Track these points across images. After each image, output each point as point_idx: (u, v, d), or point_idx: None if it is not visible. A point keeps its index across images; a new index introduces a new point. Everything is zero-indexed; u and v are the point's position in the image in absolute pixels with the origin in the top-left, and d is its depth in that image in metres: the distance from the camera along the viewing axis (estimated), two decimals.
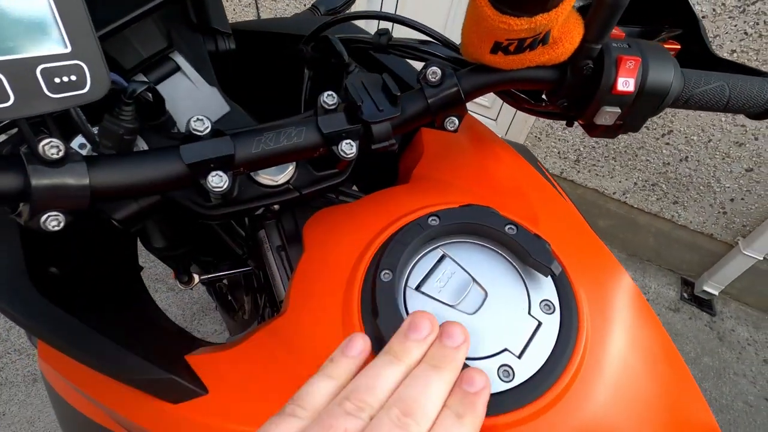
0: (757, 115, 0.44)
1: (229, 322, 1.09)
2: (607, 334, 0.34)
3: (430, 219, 0.35)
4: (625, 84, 0.37)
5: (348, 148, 0.36)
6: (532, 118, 1.88)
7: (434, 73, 0.38)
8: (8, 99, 0.22)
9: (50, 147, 0.26)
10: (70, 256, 0.46)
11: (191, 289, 0.96)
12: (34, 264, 0.39)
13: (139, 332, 0.41)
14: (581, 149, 1.85)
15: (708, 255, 1.88)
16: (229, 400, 0.34)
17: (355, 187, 0.60)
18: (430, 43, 0.43)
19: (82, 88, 0.25)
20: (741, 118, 1.52)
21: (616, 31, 0.39)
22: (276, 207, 0.43)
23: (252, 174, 0.42)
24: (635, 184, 1.85)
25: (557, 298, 0.33)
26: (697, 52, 0.46)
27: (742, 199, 1.69)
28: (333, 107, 0.37)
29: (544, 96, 0.44)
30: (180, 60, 0.46)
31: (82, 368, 0.38)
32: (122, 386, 0.36)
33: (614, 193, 1.91)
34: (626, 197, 1.90)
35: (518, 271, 0.34)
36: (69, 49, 0.24)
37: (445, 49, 0.43)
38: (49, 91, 0.24)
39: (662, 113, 1.60)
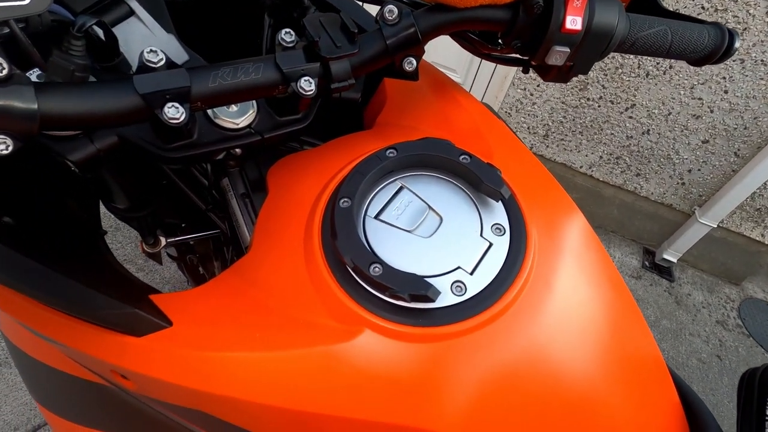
0: (696, 61, 0.47)
1: None
2: (555, 257, 0.36)
3: (388, 152, 0.36)
4: (573, 22, 0.39)
5: (307, 85, 0.37)
6: (503, 93, 1.91)
7: (391, 11, 0.38)
8: None
9: None
10: (26, 208, 0.45)
11: (166, 252, 0.94)
12: None
13: (101, 276, 0.41)
14: (550, 124, 1.90)
15: (668, 224, 1.98)
16: (193, 331, 0.34)
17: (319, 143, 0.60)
18: None
19: (23, 0, 0.24)
20: (698, 92, 1.59)
21: None
22: (238, 151, 0.43)
23: (212, 117, 0.42)
24: (601, 157, 1.91)
25: (507, 222, 0.35)
26: (646, 5, 0.48)
27: (699, 170, 1.77)
28: (291, 44, 0.37)
29: (500, 41, 0.45)
30: (134, 4, 0.45)
31: (39, 310, 0.37)
32: (84, 325, 0.36)
33: (581, 167, 1.97)
34: (592, 171, 1.96)
35: (472, 199, 0.36)
36: None
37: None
38: None
39: (622, 79, 1.65)
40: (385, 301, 0.31)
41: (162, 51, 0.33)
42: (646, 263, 2.00)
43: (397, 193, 0.36)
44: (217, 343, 0.34)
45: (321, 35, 0.37)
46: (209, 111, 0.41)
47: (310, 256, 0.34)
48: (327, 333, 0.32)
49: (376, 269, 0.30)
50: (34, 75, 0.35)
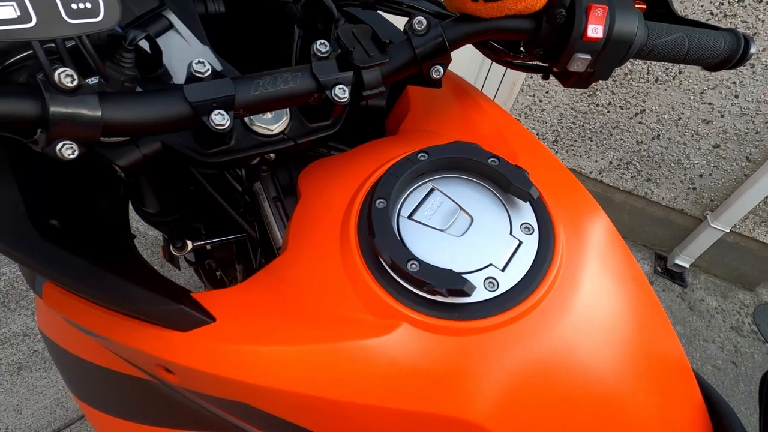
0: (713, 66, 0.49)
1: None
2: (581, 256, 0.37)
3: (419, 155, 0.38)
4: (595, 30, 0.40)
5: (341, 93, 0.39)
6: (512, 100, 1.93)
7: (420, 22, 0.40)
8: (31, 20, 0.24)
9: (65, 76, 0.28)
10: (68, 211, 0.47)
11: (184, 257, 0.96)
12: (35, 216, 0.41)
13: (142, 275, 0.43)
14: (559, 130, 1.91)
15: (679, 230, 1.97)
16: (236, 326, 0.36)
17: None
18: (416, 0, 0.46)
19: (97, 16, 0.26)
20: (708, 97, 1.59)
21: None
22: (272, 156, 0.46)
23: (249, 124, 0.44)
24: (611, 163, 1.92)
25: (536, 221, 0.36)
26: (662, 13, 0.50)
27: (710, 174, 1.77)
28: (326, 55, 0.39)
29: (522, 49, 0.47)
30: (173, 18, 0.48)
31: (87, 308, 0.39)
32: (130, 320, 0.38)
33: (591, 173, 1.98)
34: (602, 176, 1.97)
35: (500, 199, 0.38)
36: None
37: (429, 5, 0.45)
38: (68, 16, 0.25)
39: (636, 84, 1.66)
40: (421, 296, 0.33)
41: (208, 62, 0.35)
42: (658, 269, 2.00)
43: (428, 194, 0.38)
44: (259, 337, 0.35)
45: (355, 46, 0.39)
46: (246, 118, 0.44)
47: (347, 254, 0.36)
48: (366, 327, 0.33)
49: (414, 266, 0.32)
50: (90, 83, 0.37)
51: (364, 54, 0.39)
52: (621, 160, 1.89)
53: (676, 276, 1.98)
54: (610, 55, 0.43)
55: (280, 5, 0.55)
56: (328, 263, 0.37)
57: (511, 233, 0.35)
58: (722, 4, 1.42)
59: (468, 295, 0.31)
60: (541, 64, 0.49)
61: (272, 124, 0.44)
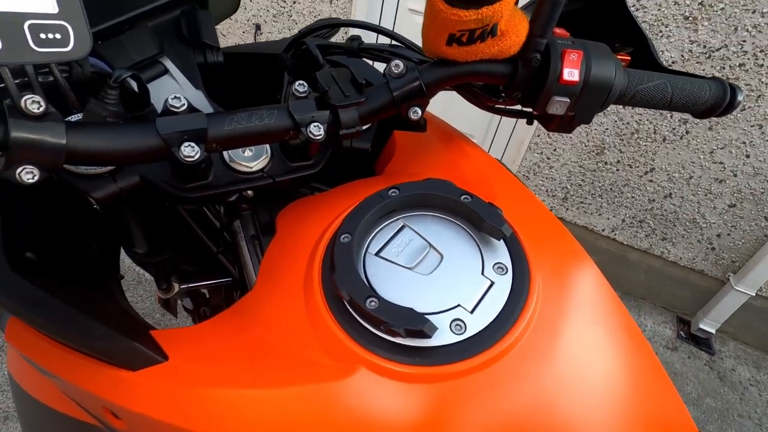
0: (700, 113, 0.48)
1: None
2: (561, 300, 0.34)
3: (390, 191, 0.37)
4: (571, 74, 0.41)
5: (316, 130, 0.39)
6: (520, 156, 1.95)
7: (397, 65, 0.41)
8: None
9: (32, 102, 0.29)
10: (48, 246, 0.47)
11: (183, 305, 0.95)
12: (11, 247, 0.41)
13: (104, 310, 0.41)
14: (568, 187, 1.90)
15: (701, 291, 1.87)
16: (188, 366, 0.34)
17: None
18: (398, 47, 0.47)
19: (66, 47, 0.28)
20: (719, 156, 1.58)
21: (562, 32, 0.43)
22: (250, 194, 0.45)
23: (228, 161, 0.44)
24: (623, 221, 1.88)
25: (510, 261, 0.34)
26: (646, 64, 0.51)
27: (729, 234, 1.71)
28: (304, 95, 0.40)
29: (502, 93, 0.47)
30: (168, 64, 0.50)
31: (45, 344, 0.38)
32: (82, 358, 0.36)
33: (603, 230, 1.94)
34: (615, 234, 1.92)
35: (474, 238, 0.36)
36: (57, 10, 0.27)
37: (411, 51, 0.47)
38: (35, 44, 0.26)
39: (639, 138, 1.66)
40: (382, 338, 0.30)
41: (185, 98, 0.36)
42: (682, 333, 1.87)
43: (398, 231, 0.36)
44: (211, 379, 0.33)
45: (331, 86, 0.40)
46: (225, 155, 0.44)
47: (309, 292, 0.34)
48: (322, 371, 0.31)
49: (373, 303, 0.29)
50: (74, 118, 0.38)
51: (340, 94, 0.40)
52: (634, 218, 1.85)
53: (702, 342, 1.85)
54: (589, 99, 0.43)
55: (273, 57, 0.58)
56: (291, 301, 0.35)
57: (482, 273, 0.33)
58: (723, 68, 1.44)
59: (428, 336, 0.29)
60: (523, 109, 0.49)
61: (251, 161, 0.44)
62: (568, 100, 0.42)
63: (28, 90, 0.30)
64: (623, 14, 0.53)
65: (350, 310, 0.31)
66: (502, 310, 0.31)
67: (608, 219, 1.90)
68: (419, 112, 0.43)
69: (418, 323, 0.28)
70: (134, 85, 0.42)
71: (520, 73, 0.42)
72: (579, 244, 0.41)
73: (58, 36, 0.27)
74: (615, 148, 1.73)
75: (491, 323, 0.31)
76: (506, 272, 0.34)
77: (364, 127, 0.51)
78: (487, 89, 0.48)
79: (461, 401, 0.29)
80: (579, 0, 0.55)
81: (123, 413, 0.35)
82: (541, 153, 1.88)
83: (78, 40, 0.28)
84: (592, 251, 1.99)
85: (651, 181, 1.73)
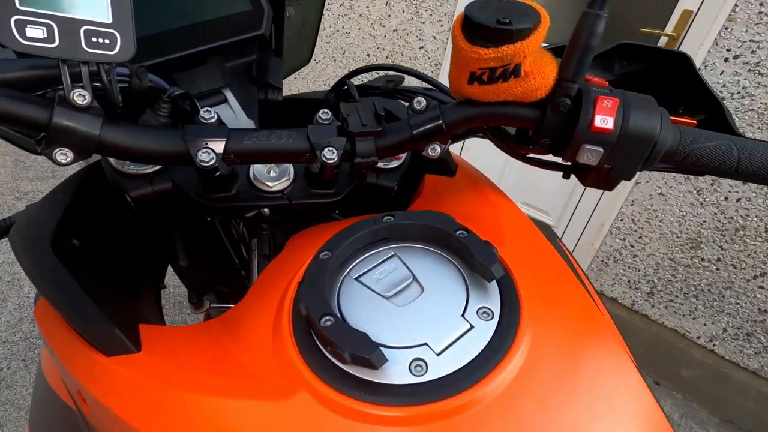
0: None
1: None
2: (554, 363, 0.29)
3: (385, 218, 0.36)
4: (604, 122, 0.37)
5: (329, 154, 0.40)
6: (599, 240, 1.79)
7: (419, 101, 0.42)
8: (54, 42, 0.30)
9: (78, 95, 0.33)
10: (95, 241, 0.52)
11: (201, 314, 0.99)
12: (60, 232, 0.46)
13: (111, 296, 0.43)
14: (655, 281, 1.69)
15: None
16: (153, 362, 0.34)
17: None
18: (430, 89, 0.48)
19: (112, 51, 0.33)
20: None
21: (600, 81, 0.40)
22: (266, 211, 0.47)
23: (252, 179, 0.47)
24: (725, 330, 1.59)
25: (499, 308, 0.30)
26: (717, 127, 0.45)
27: None
28: (326, 122, 0.42)
29: (531, 138, 0.45)
30: (228, 94, 0.57)
31: (55, 323, 0.40)
32: (74, 337, 0.38)
33: (698, 338, 1.65)
34: (714, 345, 1.63)
35: (464, 277, 0.32)
36: (110, 21, 0.32)
37: (441, 94, 0.47)
38: (86, 45, 0.32)
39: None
40: (332, 364, 0.28)
41: (216, 113, 0.40)
42: None
43: (387, 260, 0.34)
44: (168, 377, 0.32)
45: (351, 115, 0.41)
46: (251, 173, 0.47)
47: (280, 308, 0.33)
48: (268, 388, 0.28)
49: (328, 321, 0.27)
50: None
51: (358, 122, 0.41)
52: (739, 329, 1.56)
53: None
54: (628, 151, 0.39)
55: (321, 101, 0.62)
56: (264, 317, 0.34)
57: (463, 315, 0.29)
58: None
59: (375, 367, 0.25)
60: (560, 162, 0.46)
61: (273, 181, 0.46)
62: (601, 150, 0.38)
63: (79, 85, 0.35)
64: (691, 77, 0.48)
65: (309, 328, 0.29)
66: (474, 358, 0.27)
67: (705, 325, 1.62)
68: (438, 149, 0.43)
69: (365, 350, 0.25)
70: (186, 102, 0.47)
71: (549, 118, 0.40)
72: (598, 308, 0.35)
73: (107, 41, 0.32)
74: (714, 244, 1.52)
75: (458, 371, 0.26)
76: (491, 318, 0.29)
77: (393, 165, 0.51)
78: (519, 137, 0.46)
79: None
80: (638, 61, 0.52)
81: (88, 398, 0.35)
82: (624, 239, 1.71)
83: (123, 46, 0.33)
84: (683, 362, 1.69)
85: (762, 287, 1.47)
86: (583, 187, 1.85)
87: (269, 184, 0.46)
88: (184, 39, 0.51)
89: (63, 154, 0.34)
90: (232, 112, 0.56)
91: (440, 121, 0.41)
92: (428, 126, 0.42)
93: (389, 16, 2.10)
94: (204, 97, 0.56)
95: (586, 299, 0.35)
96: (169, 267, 0.68)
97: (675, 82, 0.49)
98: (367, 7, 2.15)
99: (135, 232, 0.58)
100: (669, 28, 1.49)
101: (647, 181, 1.59)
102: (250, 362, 0.32)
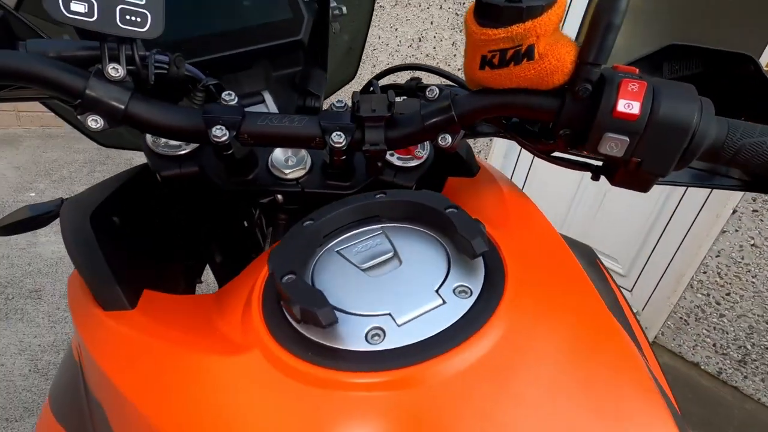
0: None
1: None
2: (533, 355, 0.24)
3: (377, 195, 0.35)
4: (628, 106, 0.34)
5: (337, 138, 0.40)
6: (677, 295, 1.59)
7: (431, 90, 0.41)
8: (93, 16, 0.35)
9: (112, 68, 0.37)
10: (136, 223, 0.56)
11: None
12: (102, 208, 0.50)
13: (135, 266, 0.45)
14: (748, 347, 1.44)
15: None
16: (145, 320, 0.35)
17: None
18: (452, 86, 0.47)
19: (143, 28, 0.36)
20: None
21: (629, 68, 0.37)
22: (280, 198, 0.48)
23: (269, 166, 0.48)
24: None
25: (479, 288, 0.27)
26: None
27: None
28: (339, 109, 0.43)
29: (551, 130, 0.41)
30: (266, 96, 0.60)
31: (77, 287, 0.43)
32: (86, 296, 0.40)
33: None
34: None
35: (448, 256, 0.30)
36: (144, 1, 0.36)
37: (462, 90, 0.46)
38: (120, 22, 0.35)
39: None
40: (288, 324, 0.26)
41: (237, 96, 0.42)
42: None
43: (373, 237, 0.33)
44: (151, 334, 0.33)
45: (363, 102, 0.42)
46: (270, 160, 0.48)
47: (258, 276, 0.32)
48: (229, 345, 0.28)
49: (289, 279, 0.26)
50: None
51: (369, 109, 0.41)
52: None
53: None
54: (659, 142, 0.34)
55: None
56: (246, 285, 0.34)
57: (437, 290, 0.27)
58: None
59: (322, 325, 0.23)
60: (588, 161, 0.42)
61: (289, 169, 0.47)
62: (627, 139, 0.34)
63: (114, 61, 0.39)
64: (757, 81, 0.43)
65: (275, 291, 0.28)
66: (437, 334, 0.24)
67: None
68: (448, 139, 0.41)
69: (315, 304, 0.23)
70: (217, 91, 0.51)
71: (568, 106, 0.37)
72: (609, 312, 0.30)
73: (139, 19, 0.36)
74: None
75: (415, 344, 0.24)
76: (468, 296, 0.26)
77: (412, 164, 0.50)
78: (541, 133, 0.43)
79: (341, 416, 0.22)
80: (691, 64, 0.47)
81: (83, 350, 0.37)
82: (708, 294, 1.50)
83: (153, 24, 0.36)
84: None
85: None
86: (659, 234, 1.68)
87: (285, 171, 0.47)
88: (230, 41, 0.55)
89: (94, 120, 0.38)
90: (267, 111, 0.59)
91: (451, 112, 0.40)
92: (439, 116, 0.40)
93: (455, 55, 2.15)
94: (243, 97, 0.60)
95: (600, 310, 0.30)
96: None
97: (736, 86, 0.44)
98: (434, 48, 2.23)
99: (177, 226, 0.62)
100: (765, 59, 1.36)
101: (737, 230, 1.40)
102: (223, 324, 0.31)
